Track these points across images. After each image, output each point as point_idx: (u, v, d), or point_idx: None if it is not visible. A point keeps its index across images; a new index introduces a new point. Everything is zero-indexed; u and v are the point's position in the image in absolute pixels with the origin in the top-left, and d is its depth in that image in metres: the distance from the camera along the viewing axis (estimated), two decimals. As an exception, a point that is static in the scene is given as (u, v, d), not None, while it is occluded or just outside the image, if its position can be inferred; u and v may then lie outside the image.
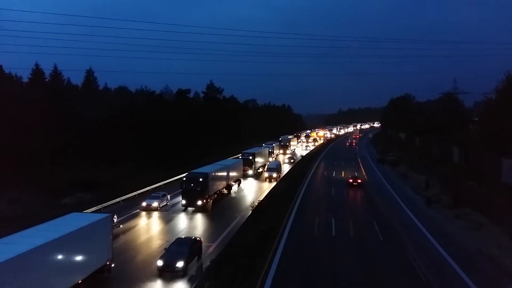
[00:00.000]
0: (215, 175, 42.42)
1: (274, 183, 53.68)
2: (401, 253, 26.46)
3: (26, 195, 41.20)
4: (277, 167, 60.57)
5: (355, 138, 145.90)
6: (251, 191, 51.60)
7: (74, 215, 23.60)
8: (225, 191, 46.82)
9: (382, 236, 30.13)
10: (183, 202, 39.24)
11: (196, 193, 38.61)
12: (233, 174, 49.94)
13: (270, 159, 78.60)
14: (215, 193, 42.57)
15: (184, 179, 40.44)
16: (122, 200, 42.18)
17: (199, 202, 38.55)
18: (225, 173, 46.38)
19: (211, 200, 41.25)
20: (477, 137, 52.02)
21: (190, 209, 39.38)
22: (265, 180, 57.00)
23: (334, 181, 56.52)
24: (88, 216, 24.32)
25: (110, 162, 56.69)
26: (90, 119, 63.41)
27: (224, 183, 45.98)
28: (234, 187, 50.71)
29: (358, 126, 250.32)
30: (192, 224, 35.39)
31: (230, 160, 57.28)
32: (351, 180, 52.46)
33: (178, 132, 72.22)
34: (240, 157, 65.46)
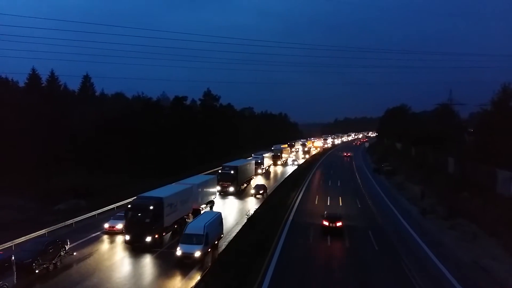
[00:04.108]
0: (174, 199, 32.09)
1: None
2: (396, 263, 26.43)
3: (20, 200, 40.86)
4: (205, 232, 26.70)
5: (360, 141, 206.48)
6: (231, 215, 40.07)
7: None
8: (191, 218, 35.60)
9: (378, 246, 30.11)
10: (126, 237, 29.09)
11: (144, 226, 28.43)
12: (203, 195, 40.41)
13: (259, 171, 69.87)
14: (175, 223, 32.38)
15: (129, 206, 30.35)
16: (116, 207, 41.65)
17: (148, 238, 28.35)
18: (190, 195, 36.25)
19: (167, 234, 31.67)
20: (472, 148, 52.41)
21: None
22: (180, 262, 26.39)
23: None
24: None
25: (105, 169, 56.35)
26: (86, 125, 63.16)
27: (189, 209, 36.10)
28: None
29: (353, 135, 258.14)
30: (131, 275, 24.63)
31: (200, 176, 46.74)
32: (345, 154, 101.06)
33: (174, 140, 71.87)
34: (220, 171, 56.16)
